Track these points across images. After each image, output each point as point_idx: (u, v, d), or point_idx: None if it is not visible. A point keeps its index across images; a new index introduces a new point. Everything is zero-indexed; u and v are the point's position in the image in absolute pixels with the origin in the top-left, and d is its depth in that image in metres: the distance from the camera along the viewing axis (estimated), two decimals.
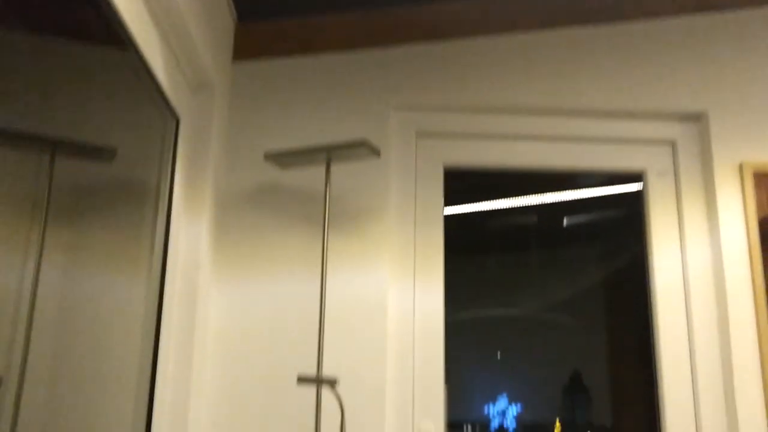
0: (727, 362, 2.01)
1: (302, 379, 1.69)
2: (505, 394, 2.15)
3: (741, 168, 2.11)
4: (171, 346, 1.81)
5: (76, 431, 1.71)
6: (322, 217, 2.05)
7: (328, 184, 1.93)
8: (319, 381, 1.71)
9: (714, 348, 2.05)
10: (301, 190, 2.09)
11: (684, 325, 2.09)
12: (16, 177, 1.89)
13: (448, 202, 2.21)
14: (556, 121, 2.23)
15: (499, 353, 2.17)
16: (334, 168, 2.09)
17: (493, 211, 2.27)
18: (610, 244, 2.26)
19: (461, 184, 2.24)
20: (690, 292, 2.10)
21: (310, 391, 1.92)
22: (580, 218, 2.29)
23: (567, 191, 2.27)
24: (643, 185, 2.23)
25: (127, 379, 1.74)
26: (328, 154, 1.89)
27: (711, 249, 2.13)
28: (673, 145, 2.23)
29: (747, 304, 2.02)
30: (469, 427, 2.08)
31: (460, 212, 2.24)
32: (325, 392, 1.88)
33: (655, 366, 2.09)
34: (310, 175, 2.10)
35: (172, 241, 1.82)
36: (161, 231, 1.82)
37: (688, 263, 2.12)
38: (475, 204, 2.26)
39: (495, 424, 2.11)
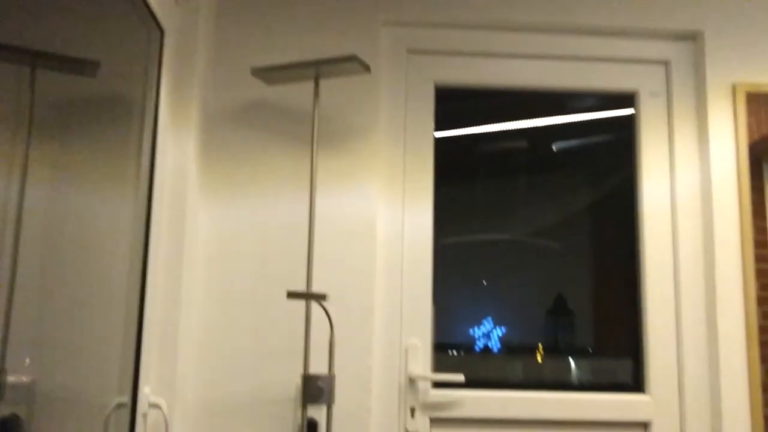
0: (710, 286, 2.05)
1: (292, 294, 1.70)
2: (490, 317, 2.18)
3: (734, 89, 2.09)
4: (160, 262, 1.81)
5: (66, 346, 1.72)
6: (311, 135, 2.03)
7: (316, 101, 1.90)
8: (308, 296, 1.73)
9: (698, 272, 2.08)
10: (289, 107, 2.06)
11: (670, 249, 2.11)
12: None
13: (438, 126, 2.18)
14: (549, 39, 2.19)
15: (484, 277, 2.20)
16: (323, 84, 2.05)
17: (482, 135, 2.25)
18: (598, 169, 2.26)
19: (451, 107, 2.21)
20: (677, 215, 2.11)
21: (300, 307, 1.94)
22: (570, 143, 2.28)
23: (557, 116, 2.25)
24: (635, 106, 2.21)
25: (117, 295, 1.74)
26: (317, 70, 1.85)
27: (700, 172, 2.13)
28: (666, 65, 2.20)
29: (733, 228, 2.04)
30: (455, 351, 2.12)
31: (449, 136, 2.22)
32: (315, 309, 1.90)
33: (639, 289, 2.13)
34: (299, 92, 2.06)
35: (158, 158, 1.80)
36: (148, 147, 1.79)
37: (677, 186, 2.13)
38: (464, 128, 2.24)
39: (480, 345, 2.16)
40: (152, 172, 1.79)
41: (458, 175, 2.22)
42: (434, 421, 2.01)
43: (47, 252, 1.79)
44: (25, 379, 1.69)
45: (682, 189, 2.13)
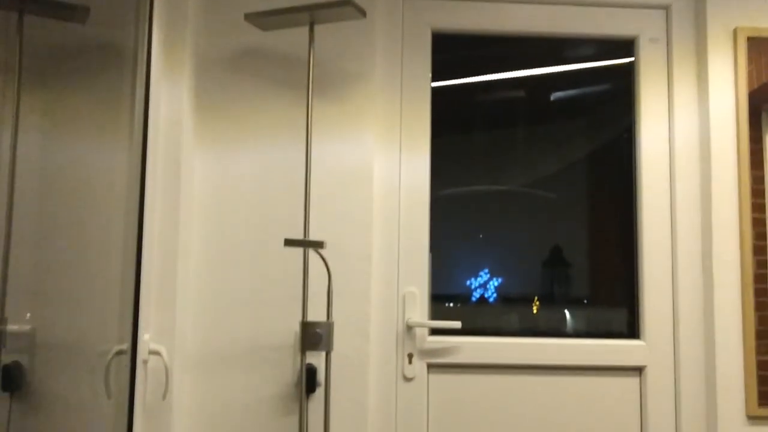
0: (706, 234, 2.05)
1: (289, 242, 1.70)
2: (487, 268, 2.19)
3: (735, 33, 2.06)
4: (156, 211, 1.81)
5: (66, 295, 1.73)
6: (306, 82, 2.00)
7: (311, 47, 1.87)
8: (305, 243, 1.73)
9: (695, 221, 2.09)
10: (284, 54, 2.02)
11: (667, 198, 2.11)
12: None
13: (435, 75, 2.15)
14: None
15: (481, 229, 2.20)
16: (318, 30, 2.02)
17: (479, 84, 2.23)
18: (596, 118, 2.24)
19: (448, 56, 2.18)
20: (675, 164, 2.11)
21: (298, 255, 1.94)
22: (568, 93, 2.25)
23: (555, 65, 2.22)
24: (635, 53, 2.18)
25: (115, 244, 1.74)
26: (312, 15, 1.82)
27: (699, 120, 2.12)
28: (667, 9, 2.17)
29: (731, 177, 2.03)
30: (452, 302, 2.14)
31: (446, 85, 2.19)
32: (312, 257, 1.90)
33: (635, 237, 2.13)
34: (293, 38, 2.03)
35: (152, 106, 1.77)
36: (141, 95, 1.76)
37: (675, 135, 2.12)
38: (462, 78, 2.21)
39: (476, 296, 2.17)
40: (146, 120, 1.77)
41: (455, 125, 2.20)
42: (432, 367, 2.03)
43: (43, 201, 1.78)
44: (25, 327, 1.70)
45: (680, 137, 2.11)
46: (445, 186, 2.16)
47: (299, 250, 1.94)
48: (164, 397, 1.75)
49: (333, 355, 1.91)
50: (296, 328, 1.92)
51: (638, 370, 2.07)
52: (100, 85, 1.84)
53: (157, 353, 1.71)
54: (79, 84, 1.85)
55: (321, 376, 1.90)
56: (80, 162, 1.81)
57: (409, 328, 2.03)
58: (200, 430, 1.89)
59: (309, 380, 1.89)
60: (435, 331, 2.05)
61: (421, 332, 2.03)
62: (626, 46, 2.20)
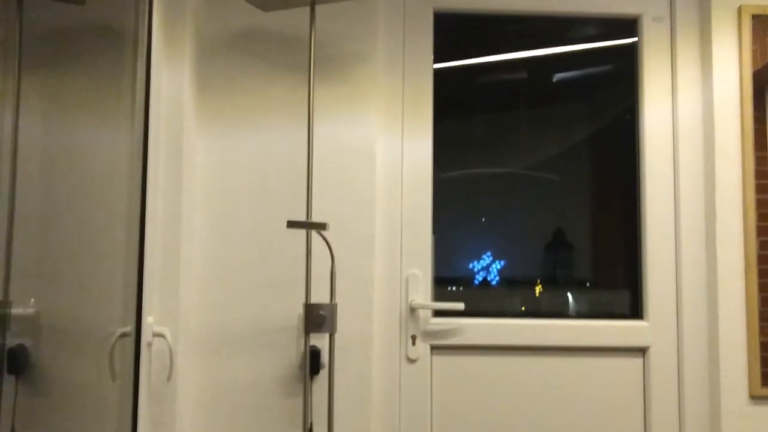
0: (710, 216, 2.05)
1: (292, 224, 1.70)
2: (489, 251, 2.19)
3: (740, 11, 2.04)
4: (159, 194, 1.80)
5: (69, 278, 1.73)
6: (308, 63, 1.99)
7: (313, 27, 1.85)
8: (308, 225, 1.73)
9: (698, 202, 2.08)
10: (285, 35, 2.01)
11: (670, 178, 2.10)
12: None
13: (437, 57, 2.14)
14: None
15: (484, 211, 2.19)
16: (319, 10, 2.00)
17: (482, 66, 2.21)
18: (599, 100, 2.23)
19: (450, 38, 2.16)
20: (678, 144, 2.10)
21: (300, 237, 1.94)
22: (570, 74, 2.24)
23: (558, 46, 2.21)
24: (638, 32, 2.16)
25: (118, 227, 1.74)
26: None
27: (702, 100, 2.10)
28: None
29: (734, 158, 2.02)
30: (454, 284, 2.14)
31: (448, 67, 2.18)
32: (315, 239, 1.90)
33: (639, 217, 2.13)
34: (295, 19, 2.01)
35: (153, 88, 1.77)
36: (142, 77, 1.76)
37: (679, 115, 2.10)
38: (464, 60, 2.20)
39: (479, 279, 2.17)
40: (147, 102, 1.76)
41: (458, 107, 2.19)
42: (435, 348, 2.04)
43: (45, 185, 1.78)
44: (30, 311, 1.71)
45: (684, 117, 2.10)
46: (447, 168, 2.15)
47: (302, 232, 1.93)
48: (168, 379, 1.75)
49: (336, 336, 1.91)
50: (300, 310, 1.92)
51: (642, 351, 2.07)
52: (100, 67, 1.83)
53: (161, 335, 1.71)
54: (80, 67, 1.84)
55: (325, 358, 1.91)
56: (82, 145, 1.81)
57: (413, 310, 2.03)
58: (205, 412, 1.90)
59: (313, 362, 1.90)
60: (438, 313, 2.05)
61: (425, 314, 2.03)
62: (629, 25, 2.18)
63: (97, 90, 1.85)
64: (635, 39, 2.17)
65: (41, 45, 1.86)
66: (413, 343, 2.02)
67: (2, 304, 1.67)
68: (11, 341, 1.68)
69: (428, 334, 2.03)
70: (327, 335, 1.86)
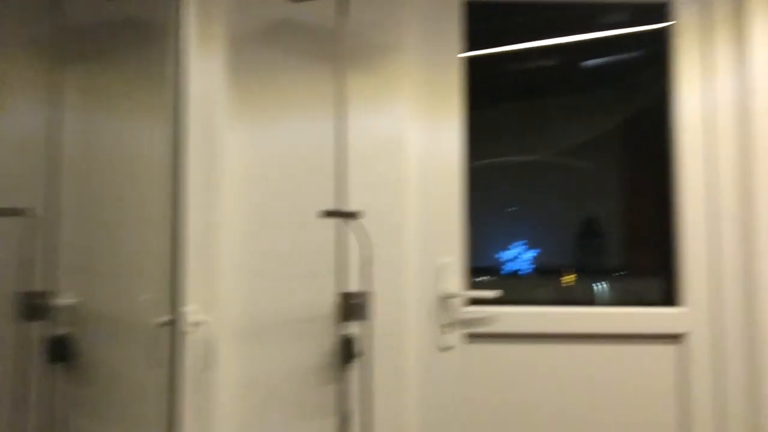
0: (748, 201, 2.02)
1: (327, 213, 1.72)
2: (521, 240, 2.19)
3: None
4: (194, 186, 1.83)
5: (111, 269, 1.77)
6: (337, 54, 2.00)
7: (342, 18, 1.86)
8: (344, 214, 1.74)
9: (737, 187, 2.05)
10: (314, 26, 2.02)
11: (707, 164, 2.07)
12: (23, 18, 1.84)
13: (467, 45, 2.13)
14: None
15: (517, 199, 2.19)
16: (350, 1, 2.01)
17: (512, 54, 2.20)
18: (631, 85, 2.21)
19: (480, 26, 2.16)
20: (715, 129, 2.06)
21: (331, 227, 1.96)
22: (601, 60, 2.22)
23: (590, 32, 2.19)
24: (671, 14, 2.13)
25: (156, 218, 1.77)
26: None
27: (740, 83, 2.06)
28: None
29: None
30: (487, 273, 2.14)
31: (478, 55, 2.17)
32: (348, 228, 1.92)
33: (674, 203, 2.10)
34: (324, 10, 2.02)
35: (186, 81, 1.79)
36: (176, 73, 1.78)
37: (715, 99, 2.07)
38: (493, 48, 2.19)
39: (510, 268, 2.17)
40: (181, 95, 1.79)
41: (488, 94, 2.18)
42: (469, 337, 2.04)
43: (86, 179, 1.82)
44: (73, 301, 1.76)
45: (720, 101, 2.07)
46: (479, 157, 2.15)
47: (332, 222, 1.95)
48: (208, 367, 1.79)
49: (370, 325, 1.93)
50: (333, 299, 1.94)
51: (678, 338, 2.05)
52: (135, 62, 1.86)
53: (200, 324, 1.74)
54: (116, 62, 1.87)
55: (359, 346, 1.92)
56: (120, 138, 1.84)
57: (446, 299, 2.03)
58: (243, 399, 1.93)
59: (347, 350, 1.91)
60: (472, 302, 2.05)
61: (458, 302, 2.04)
62: (662, 9, 2.14)
63: (132, 84, 1.88)
64: (667, 23, 2.14)
65: (77, 41, 1.90)
66: (447, 332, 2.03)
67: (49, 295, 1.72)
68: (56, 330, 1.73)
69: (462, 323, 2.04)
70: (361, 324, 1.88)
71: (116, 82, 1.87)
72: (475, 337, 2.05)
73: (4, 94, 1.90)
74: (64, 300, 1.74)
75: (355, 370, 1.94)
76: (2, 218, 1.70)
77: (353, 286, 1.93)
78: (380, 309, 1.94)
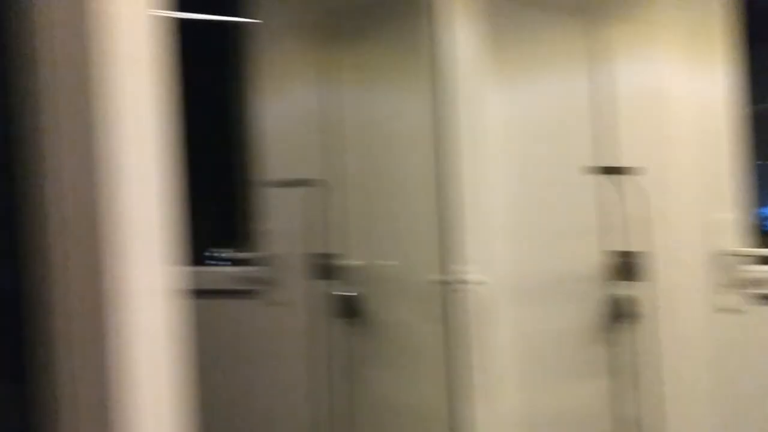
0: None
1: (604, 169, 1.68)
2: None
3: None
4: (461, 149, 1.86)
5: (391, 233, 1.89)
6: (593, 5, 1.92)
7: None
8: (619, 170, 1.69)
9: None
10: None
11: None
12: (290, 7, 1.98)
13: None
14: None
15: None
16: None
17: None
18: None
19: None
20: None
21: (598, 185, 1.90)
22: None
23: None
24: None
25: (426, 184, 1.84)
26: None
27: None
28: None
29: None
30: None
31: None
32: (607, 185, 1.85)
33: None
34: None
35: (448, 47, 1.82)
36: (437, 38, 1.82)
37: None
38: None
39: None
40: (442, 61, 1.82)
41: (766, 30, 1.96)
42: (751, 297, 1.89)
43: (364, 150, 1.95)
44: (360, 262, 1.91)
45: None
46: (755, 101, 1.96)
47: (595, 178, 1.89)
48: (485, 324, 1.84)
49: (645, 285, 1.86)
50: (601, 258, 1.89)
51: None
52: (398, 32, 1.94)
53: (478, 283, 1.80)
54: (380, 35, 1.97)
55: (631, 307, 1.87)
56: (389, 108, 1.94)
57: (724, 257, 1.90)
58: (517, 358, 1.97)
59: (617, 311, 1.87)
60: (759, 260, 1.89)
61: (738, 261, 1.89)
62: None
63: (395, 54, 1.96)
64: None
65: (341, 21, 2.01)
66: (725, 292, 1.90)
67: (338, 257, 1.89)
68: (347, 290, 1.89)
69: (742, 282, 1.89)
70: (633, 284, 1.82)
71: (383, 55, 1.96)
72: (759, 298, 1.89)
73: (279, 79, 2.09)
74: (351, 262, 1.89)
75: (626, 332, 1.89)
76: (297, 188, 1.88)
77: (618, 245, 1.87)
78: (654, 268, 1.86)
